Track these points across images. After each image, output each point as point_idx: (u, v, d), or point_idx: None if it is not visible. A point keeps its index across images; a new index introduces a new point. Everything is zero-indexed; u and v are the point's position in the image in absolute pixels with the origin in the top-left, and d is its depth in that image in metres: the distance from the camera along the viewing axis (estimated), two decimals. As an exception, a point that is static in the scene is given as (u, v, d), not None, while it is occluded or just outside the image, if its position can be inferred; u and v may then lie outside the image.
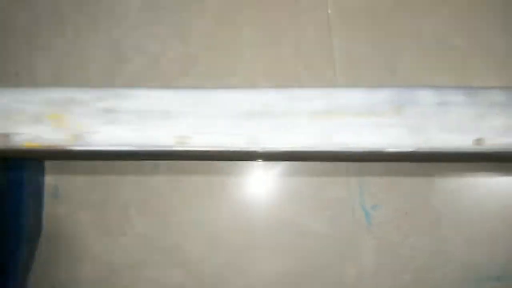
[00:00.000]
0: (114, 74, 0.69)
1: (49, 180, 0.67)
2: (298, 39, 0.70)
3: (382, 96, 0.33)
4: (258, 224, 0.66)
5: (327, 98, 0.33)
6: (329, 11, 0.70)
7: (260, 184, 0.67)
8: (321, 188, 0.67)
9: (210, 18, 0.71)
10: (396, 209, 0.66)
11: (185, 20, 0.71)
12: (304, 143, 0.32)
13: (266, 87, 0.34)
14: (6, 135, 0.32)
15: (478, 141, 0.32)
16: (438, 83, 0.68)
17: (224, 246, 0.66)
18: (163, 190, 0.67)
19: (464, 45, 0.68)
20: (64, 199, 0.67)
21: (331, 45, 0.70)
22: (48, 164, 0.68)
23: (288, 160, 0.66)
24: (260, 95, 0.33)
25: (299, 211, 0.66)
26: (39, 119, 0.32)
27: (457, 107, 0.33)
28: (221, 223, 0.67)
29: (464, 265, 0.65)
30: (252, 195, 0.68)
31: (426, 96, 0.33)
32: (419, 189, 0.66)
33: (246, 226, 0.66)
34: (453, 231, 0.65)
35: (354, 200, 0.66)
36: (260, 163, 0.68)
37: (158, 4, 0.72)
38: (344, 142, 0.32)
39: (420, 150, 0.32)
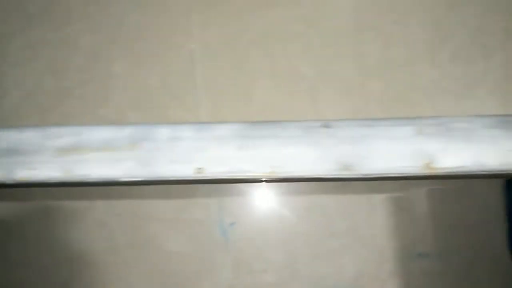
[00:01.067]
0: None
1: None
2: (165, 72, 0.76)
3: (123, 133, 0.38)
4: (121, 243, 0.71)
5: (75, 135, 0.38)
6: (193, 46, 0.77)
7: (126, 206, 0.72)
8: (182, 210, 0.72)
9: (83, 55, 0.77)
10: (252, 226, 0.71)
11: (59, 56, 0.77)
12: (47, 176, 0.37)
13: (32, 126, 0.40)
14: None
15: (199, 170, 0.37)
16: (289, 109, 0.75)
17: (89, 266, 0.71)
18: None
19: (313, 75, 0.75)
20: None
21: (194, 76, 0.76)
22: None
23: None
24: (17, 133, 0.38)
25: (159, 232, 0.70)
26: None
27: (185, 141, 0.38)
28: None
29: (312, 279, 0.70)
30: (117, 216, 0.72)
31: (161, 132, 0.39)
32: (274, 206, 0.71)
33: (109, 246, 0.71)
34: (303, 245, 0.70)
35: (213, 219, 0.71)
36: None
37: (36, 42, 0.77)
38: (86, 174, 0.37)
39: (149, 179, 0.37)
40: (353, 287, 0.69)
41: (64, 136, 0.38)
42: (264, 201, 0.71)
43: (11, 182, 0.35)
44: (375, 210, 0.69)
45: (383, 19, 0.73)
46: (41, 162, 0.37)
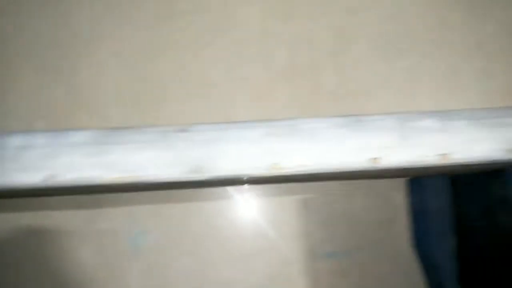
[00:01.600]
0: None
1: None
2: (75, 81, 0.75)
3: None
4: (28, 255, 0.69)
5: None
6: (103, 55, 0.76)
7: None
8: (90, 220, 0.71)
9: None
10: (162, 234, 0.71)
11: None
12: None
13: None
14: None
15: (48, 177, 0.37)
16: (201, 116, 0.75)
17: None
18: None
19: (223, 81, 0.76)
20: None
21: (105, 85, 0.75)
22: None
23: None
24: None
25: (67, 243, 0.69)
26: None
27: (36, 149, 0.38)
28: None
29: (224, 284, 0.70)
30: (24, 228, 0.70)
31: (11, 141, 0.38)
32: (182, 214, 0.71)
33: (17, 258, 0.69)
34: (214, 250, 0.71)
35: (123, 229, 0.70)
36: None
37: None
38: None
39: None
40: (263, 289, 0.70)
41: None
42: (173, 208, 0.71)
43: None
44: (285, 212, 0.71)
45: (288, 26, 0.75)
46: None
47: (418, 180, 0.69)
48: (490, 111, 0.40)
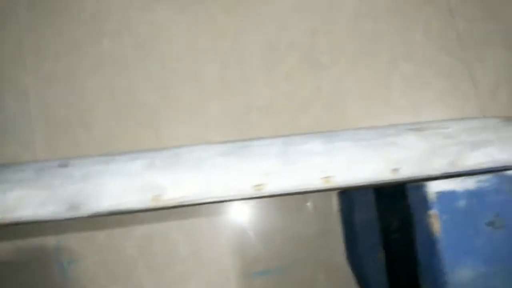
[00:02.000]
0: None
1: None
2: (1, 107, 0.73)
3: None
4: None
5: None
6: (27, 79, 0.75)
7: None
8: (20, 251, 0.68)
9: None
10: (93, 262, 0.69)
11: None
12: None
13: None
14: None
15: None
16: (130, 138, 0.74)
17: None
18: None
19: (153, 101, 0.75)
20: None
21: (29, 110, 0.74)
22: None
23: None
24: None
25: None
26: None
27: None
28: None
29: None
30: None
31: None
32: (115, 239, 0.70)
33: None
34: (146, 276, 0.69)
35: (52, 258, 0.68)
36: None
37: None
38: None
39: None
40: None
41: None
42: (104, 235, 0.70)
43: None
44: (218, 232, 0.70)
45: (219, 42, 0.75)
46: None
47: (347, 193, 0.69)
48: (373, 131, 0.40)
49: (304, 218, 0.72)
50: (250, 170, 0.38)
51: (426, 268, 0.39)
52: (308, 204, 0.72)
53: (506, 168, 0.39)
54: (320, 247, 0.71)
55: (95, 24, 0.75)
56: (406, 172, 0.39)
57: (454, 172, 0.39)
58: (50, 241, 0.68)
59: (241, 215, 0.71)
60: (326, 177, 0.38)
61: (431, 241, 0.38)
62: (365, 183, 0.39)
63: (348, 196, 0.69)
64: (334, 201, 0.72)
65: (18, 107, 0.73)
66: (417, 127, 0.40)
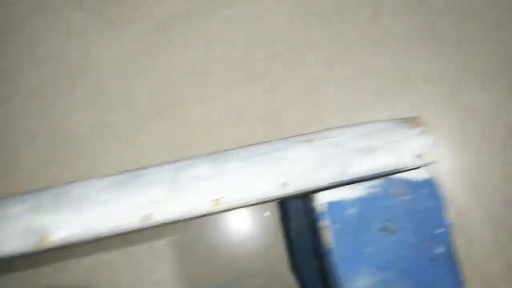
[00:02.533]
0: None
1: None
2: None
3: None
4: None
5: None
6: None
7: None
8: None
9: None
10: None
11: None
12: None
13: None
14: None
15: None
16: (63, 165, 0.74)
17: None
18: None
19: (88, 130, 0.75)
20: None
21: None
22: None
23: None
24: None
25: None
26: None
27: None
28: None
29: None
30: None
31: None
32: (53, 276, 0.69)
33: None
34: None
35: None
36: None
37: None
38: None
39: None
40: None
41: None
42: (48, 271, 0.69)
43: None
44: (158, 256, 0.69)
45: (149, 63, 0.75)
46: None
47: (284, 202, 0.69)
48: (264, 147, 0.40)
49: (247, 231, 0.72)
50: (139, 200, 0.38)
51: (330, 278, 0.39)
52: (266, 214, 0.71)
53: (395, 172, 0.39)
54: (264, 259, 0.71)
55: (27, 55, 0.75)
56: (295, 185, 0.39)
57: (343, 181, 0.39)
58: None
59: (180, 238, 0.71)
60: (216, 199, 0.38)
61: (326, 252, 0.38)
62: (256, 200, 0.38)
63: (284, 204, 0.69)
64: (275, 210, 0.72)
65: None
66: (308, 139, 0.40)
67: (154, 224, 0.37)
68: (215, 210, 0.38)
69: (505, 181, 0.74)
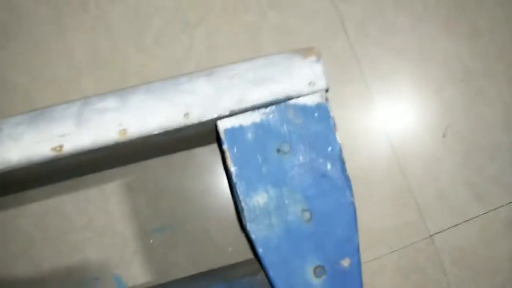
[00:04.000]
0: None
1: None
2: None
3: None
4: None
5: None
6: None
7: None
8: None
9: None
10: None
11: None
12: None
13: None
14: None
15: None
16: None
17: None
18: None
19: (26, 83, 0.76)
20: None
21: None
22: None
23: None
24: None
25: None
26: None
27: None
28: None
29: (60, 276, 0.73)
30: None
31: None
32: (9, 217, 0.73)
33: None
34: (46, 250, 0.73)
35: None
36: None
37: None
38: None
39: None
40: (100, 275, 0.73)
41: None
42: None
43: None
44: (109, 198, 0.73)
45: (84, 16, 0.75)
46: None
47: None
48: (167, 82, 0.43)
49: (191, 173, 0.75)
50: (47, 133, 0.40)
51: (234, 197, 0.43)
52: (193, 160, 0.75)
53: (289, 98, 0.43)
54: (209, 200, 0.75)
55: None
56: (196, 115, 0.41)
57: (241, 108, 0.42)
58: None
59: (129, 180, 0.74)
60: (122, 130, 0.41)
61: (229, 174, 0.42)
62: (160, 130, 0.41)
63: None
64: (217, 154, 0.75)
65: None
66: (207, 73, 0.43)
67: (64, 155, 0.40)
68: (122, 140, 0.41)
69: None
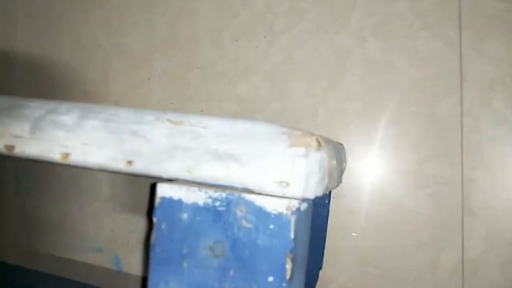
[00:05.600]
0: None
1: None
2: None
3: None
4: None
5: None
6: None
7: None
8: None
9: None
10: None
11: None
12: None
13: None
14: None
15: None
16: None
17: None
18: None
19: (108, 46, 0.76)
20: None
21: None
22: None
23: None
24: None
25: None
26: None
27: None
28: None
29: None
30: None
31: None
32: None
33: None
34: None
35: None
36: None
37: None
38: None
39: None
40: (105, 249, 0.74)
41: None
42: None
43: None
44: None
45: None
46: None
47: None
48: (130, 114, 0.35)
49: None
50: (6, 130, 0.38)
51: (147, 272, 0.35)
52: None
53: (246, 191, 0.31)
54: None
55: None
56: (140, 166, 0.34)
57: (187, 180, 0.32)
58: None
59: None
60: (65, 154, 0.36)
61: (148, 251, 0.34)
62: (100, 168, 0.35)
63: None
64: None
65: None
66: (176, 120, 0.34)
67: (14, 155, 0.38)
68: (62, 162, 0.36)
69: None
